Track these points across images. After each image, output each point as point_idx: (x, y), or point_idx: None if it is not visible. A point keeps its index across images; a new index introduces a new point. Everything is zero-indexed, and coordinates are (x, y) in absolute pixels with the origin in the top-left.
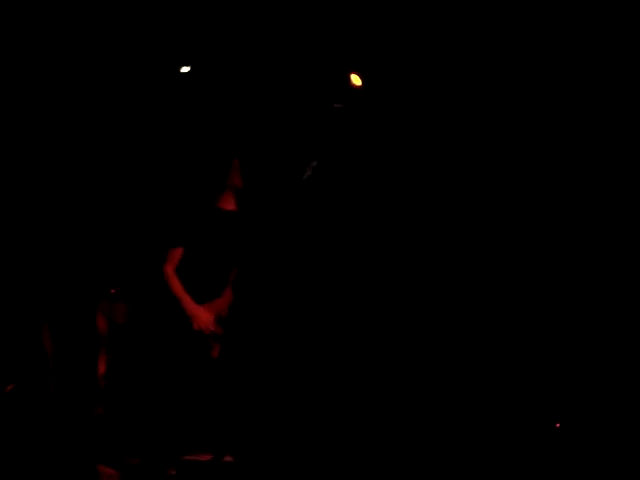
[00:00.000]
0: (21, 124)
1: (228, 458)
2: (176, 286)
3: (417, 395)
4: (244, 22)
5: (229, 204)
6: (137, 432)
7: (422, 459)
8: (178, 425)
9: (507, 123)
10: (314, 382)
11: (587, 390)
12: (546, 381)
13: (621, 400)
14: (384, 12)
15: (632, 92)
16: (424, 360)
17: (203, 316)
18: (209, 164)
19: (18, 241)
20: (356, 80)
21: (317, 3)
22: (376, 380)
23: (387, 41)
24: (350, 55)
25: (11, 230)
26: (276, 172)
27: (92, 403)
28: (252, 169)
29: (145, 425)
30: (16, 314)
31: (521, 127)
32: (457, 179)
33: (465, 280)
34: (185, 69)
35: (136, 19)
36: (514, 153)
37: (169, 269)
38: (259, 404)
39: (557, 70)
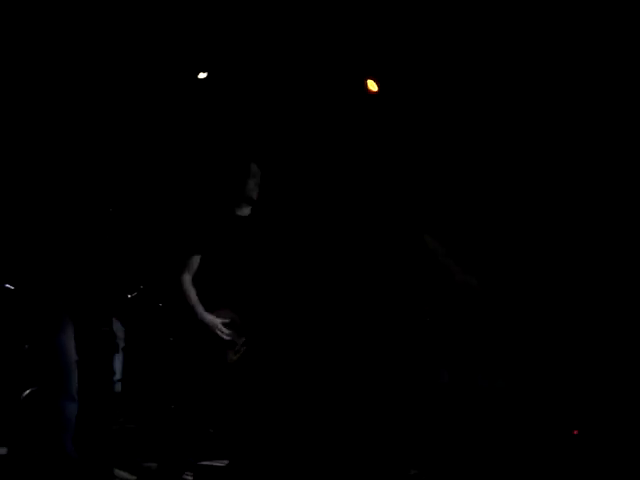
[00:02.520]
0: (32, 130)
1: (244, 463)
2: (190, 294)
3: (418, 396)
4: (260, 28)
5: (245, 212)
6: (154, 436)
7: (422, 459)
8: (194, 430)
9: (518, 127)
10: (328, 388)
11: (589, 391)
12: (548, 382)
13: (622, 401)
14: (399, 17)
15: (632, 92)
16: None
17: (216, 324)
18: (225, 171)
19: (35, 245)
20: (372, 86)
21: (333, 9)
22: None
23: (402, 47)
24: (366, 61)
25: (28, 235)
26: (291, 179)
27: (109, 407)
28: (267, 176)
29: (162, 429)
30: (32, 318)
31: (534, 132)
32: (466, 182)
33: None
34: (202, 75)
35: (151, 24)
36: (517, 155)
37: (185, 277)
38: (274, 409)
39: (557, 71)
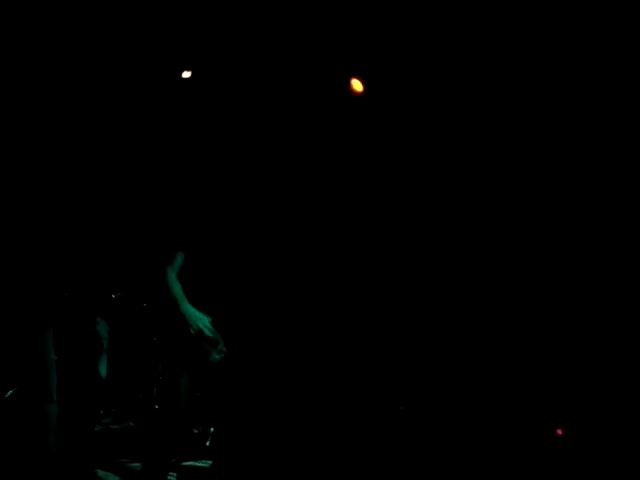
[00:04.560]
0: (23, 129)
1: (227, 463)
2: (176, 290)
3: (418, 396)
4: (245, 27)
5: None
6: (138, 437)
7: (422, 459)
8: (178, 430)
9: (507, 124)
10: (313, 386)
11: (587, 393)
12: (547, 384)
13: (621, 401)
14: (385, 16)
15: (632, 92)
16: (424, 361)
17: (201, 320)
18: (209, 168)
19: (18, 245)
20: (357, 86)
21: (317, 8)
22: (377, 382)
23: (388, 46)
24: (351, 60)
25: (11, 234)
26: (276, 176)
27: (92, 408)
28: (251, 172)
29: (145, 430)
30: (16, 319)
31: (521, 128)
32: (457, 181)
33: (465, 281)
34: (186, 74)
35: (138, 23)
36: (514, 154)
37: (170, 273)
38: (258, 409)
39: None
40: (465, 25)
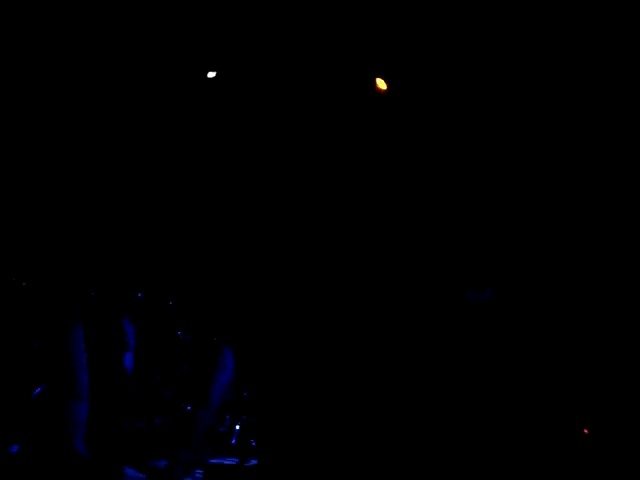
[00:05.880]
0: (39, 135)
1: (254, 462)
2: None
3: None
4: (267, 27)
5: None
6: (164, 435)
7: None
8: (204, 428)
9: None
10: (334, 386)
11: (590, 392)
12: (549, 383)
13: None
14: (409, 13)
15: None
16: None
17: (229, 320)
18: (231, 171)
19: (44, 244)
20: (381, 84)
21: (342, 9)
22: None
23: (411, 45)
24: (376, 59)
25: (37, 234)
26: (295, 177)
27: (119, 405)
28: (272, 178)
29: (172, 428)
30: (42, 317)
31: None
32: (470, 183)
33: (465, 282)
34: (211, 74)
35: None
36: (521, 156)
37: (196, 273)
38: (283, 408)
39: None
40: (486, 22)
